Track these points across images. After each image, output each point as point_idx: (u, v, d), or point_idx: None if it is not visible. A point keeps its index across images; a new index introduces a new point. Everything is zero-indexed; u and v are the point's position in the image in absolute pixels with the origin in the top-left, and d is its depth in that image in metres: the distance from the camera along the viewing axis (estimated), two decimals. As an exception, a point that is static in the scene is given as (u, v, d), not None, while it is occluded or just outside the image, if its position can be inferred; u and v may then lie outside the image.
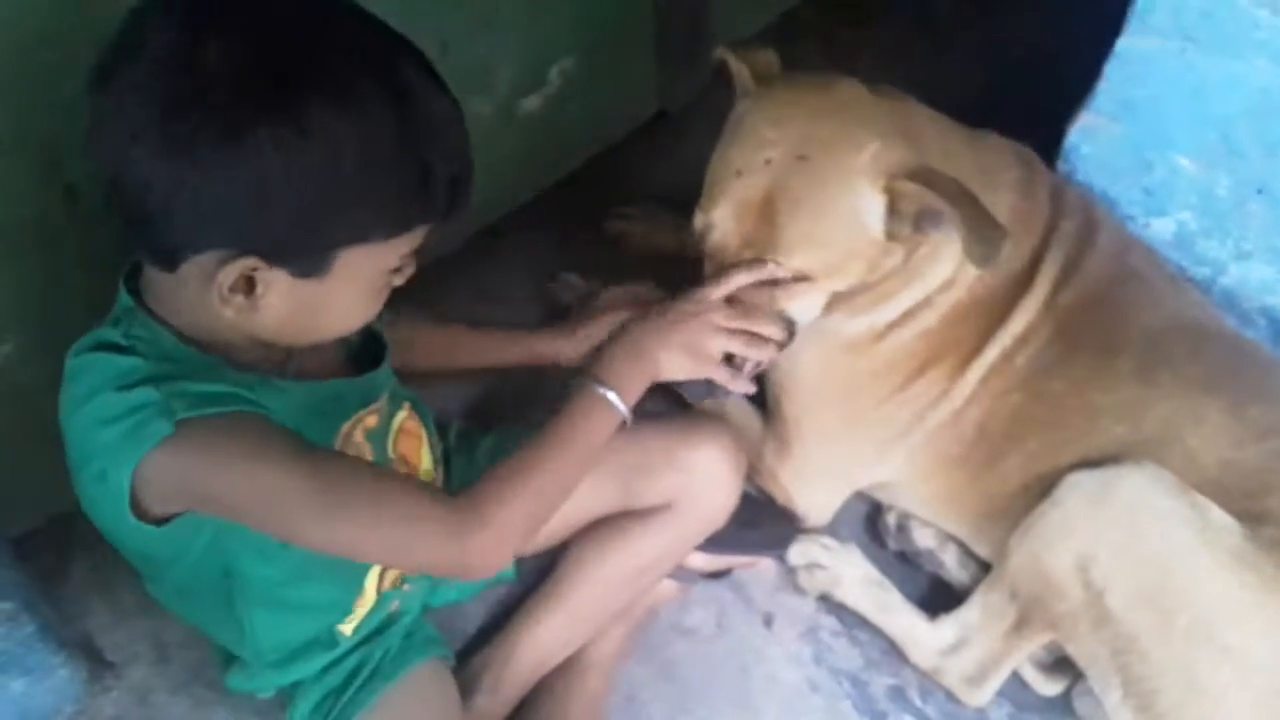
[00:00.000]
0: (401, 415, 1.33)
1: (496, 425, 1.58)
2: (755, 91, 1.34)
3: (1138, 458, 1.36)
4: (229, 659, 1.35)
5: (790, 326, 1.33)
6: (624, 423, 1.22)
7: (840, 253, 1.28)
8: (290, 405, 1.13)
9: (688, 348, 1.27)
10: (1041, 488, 1.42)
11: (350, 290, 1.09)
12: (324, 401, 1.20)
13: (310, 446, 1.09)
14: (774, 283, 1.29)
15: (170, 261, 1.04)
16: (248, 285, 1.04)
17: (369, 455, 1.25)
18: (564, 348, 1.50)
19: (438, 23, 1.46)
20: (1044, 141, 1.61)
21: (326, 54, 0.98)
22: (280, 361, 1.17)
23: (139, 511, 1.05)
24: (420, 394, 1.41)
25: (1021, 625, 1.44)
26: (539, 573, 1.54)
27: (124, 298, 1.11)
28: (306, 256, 1.04)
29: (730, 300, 1.30)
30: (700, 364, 1.28)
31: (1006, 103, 1.88)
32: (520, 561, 1.51)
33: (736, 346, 1.29)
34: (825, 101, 1.30)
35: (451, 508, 1.10)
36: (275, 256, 1.03)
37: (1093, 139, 1.59)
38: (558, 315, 1.81)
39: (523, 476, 1.14)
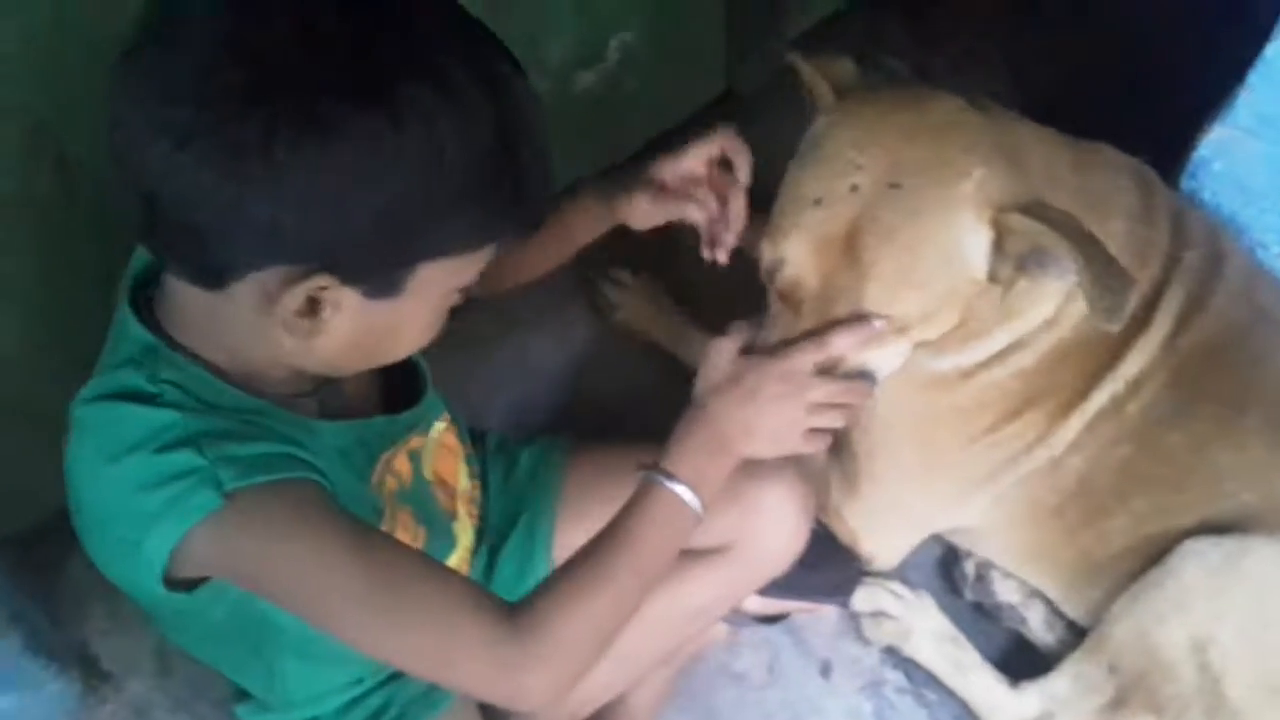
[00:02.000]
0: (440, 427, 1.21)
1: (536, 436, 1.45)
2: (836, 107, 1.17)
3: (1266, 528, 1.23)
4: (241, 695, 1.23)
5: (871, 380, 1.17)
6: (699, 519, 1.07)
7: (937, 296, 1.12)
8: (328, 446, 1.01)
9: (774, 435, 1.10)
10: (1150, 551, 1.30)
11: (420, 311, 0.96)
12: (364, 437, 1.08)
13: (365, 532, 0.96)
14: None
15: (218, 280, 0.89)
16: (311, 308, 0.90)
17: (408, 479, 1.13)
18: (621, 213, 1.29)
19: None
20: (1153, 144, 1.44)
21: (418, 34, 0.85)
22: (311, 393, 1.03)
23: (167, 576, 0.93)
24: (454, 403, 1.28)
25: (1119, 705, 1.32)
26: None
27: (137, 331, 0.95)
28: (385, 272, 0.91)
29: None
30: (785, 445, 1.12)
31: (1113, 99, 1.74)
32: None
33: (826, 421, 1.12)
34: (920, 120, 1.13)
35: (509, 633, 0.95)
36: (351, 273, 0.89)
37: (1227, 155, 1.44)
38: (601, 315, 1.74)
39: (588, 594, 0.98)
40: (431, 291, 0.94)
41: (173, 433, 0.89)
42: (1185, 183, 1.49)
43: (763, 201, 1.76)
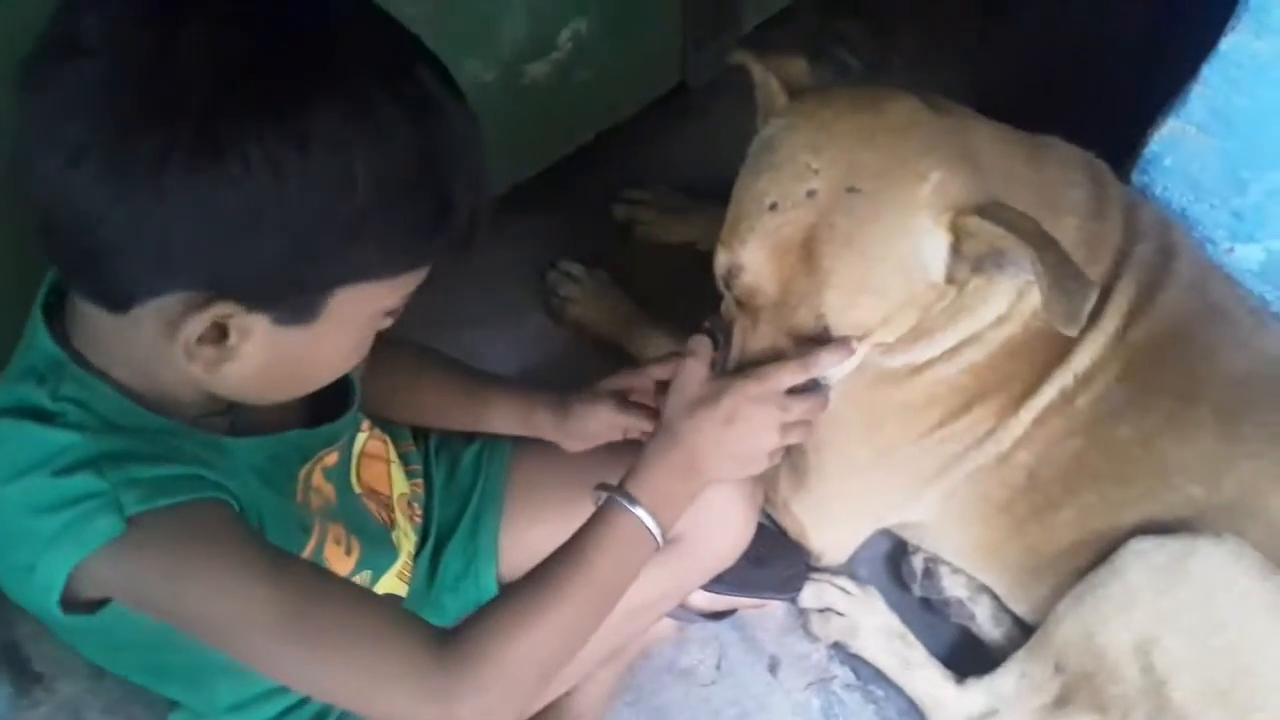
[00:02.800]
0: (362, 438, 1.16)
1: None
2: (789, 109, 1.15)
3: (1213, 524, 1.22)
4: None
5: (826, 389, 1.15)
6: (658, 546, 1.03)
7: (895, 301, 1.10)
8: (243, 465, 0.96)
9: (747, 458, 1.07)
10: (1098, 547, 1.29)
11: (338, 338, 0.91)
12: (280, 453, 1.03)
13: (279, 557, 0.91)
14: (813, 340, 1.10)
15: (121, 303, 0.84)
16: (217, 334, 0.85)
17: (332, 496, 1.08)
18: (559, 434, 1.27)
19: (434, -28, 1.29)
20: (1109, 142, 1.43)
21: (337, 56, 0.81)
22: (223, 414, 0.98)
23: (68, 598, 0.88)
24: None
25: (1063, 703, 1.31)
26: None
27: (45, 344, 0.90)
28: (295, 299, 0.86)
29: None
30: (754, 467, 1.09)
31: (1068, 94, 1.74)
32: (504, 585, 1.34)
33: (794, 438, 1.09)
34: (876, 122, 1.10)
35: (440, 657, 0.90)
36: (257, 299, 0.84)
37: (1178, 150, 1.43)
38: (552, 311, 1.71)
39: (532, 618, 0.93)
40: (352, 317, 0.90)
41: (72, 454, 0.85)
42: (1136, 177, 1.48)
43: (714, 196, 1.75)
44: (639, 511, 1.00)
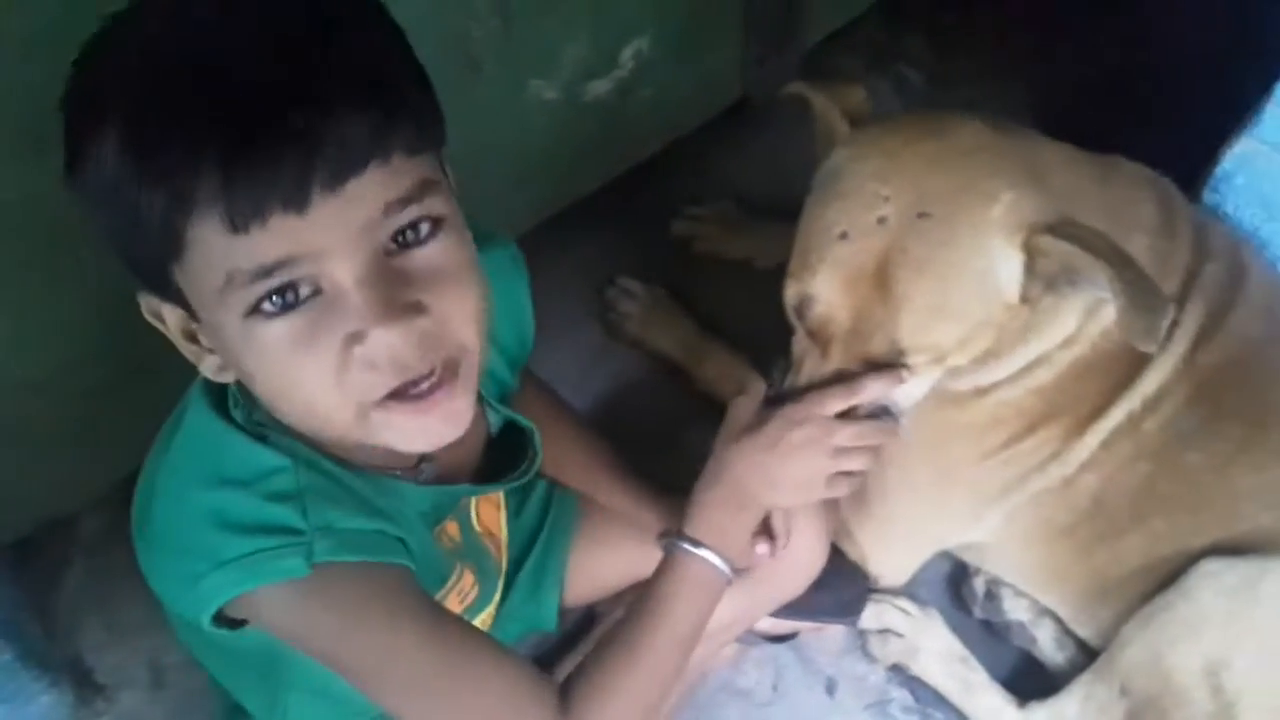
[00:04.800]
0: None
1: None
2: (852, 138, 1.14)
3: None
4: (231, 712, 1.19)
5: (894, 416, 1.14)
6: (729, 581, 1.06)
7: (971, 324, 1.09)
8: (413, 510, 0.98)
9: (799, 484, 1.07)
10: (1164, 572, 1.26)
11: (231, 331, 0.78)
12: (442, 502, 1.04)
13: (438, 617, 0.95)
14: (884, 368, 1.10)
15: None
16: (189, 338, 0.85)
17: (457, 534, 1.10)
18: None
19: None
20: (1177, 160, 1.39)
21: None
22: (414, 465, 1.00)
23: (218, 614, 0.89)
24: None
25: None
26: (583, 624, 1.42)
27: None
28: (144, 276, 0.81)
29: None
30: (811, 493, 1.09)
31: (1132, 111, 1.72)
32: (563, 612, 1.36)
33: (852, 465, 1.09)
34: (943, 146, 1.10)
35: (560, 713, 0.96)
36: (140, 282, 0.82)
37: (1251, 168, 1.40)
38: (610, 327, 1.71)
39: (625, 671, 0.99)
40: (208, 293, 0.76)
41: (283, 480, 0.86)
42: (1207, 196, 1.45)
43: (774, 212, 1.75)
44: (704, 553, 1.03)
